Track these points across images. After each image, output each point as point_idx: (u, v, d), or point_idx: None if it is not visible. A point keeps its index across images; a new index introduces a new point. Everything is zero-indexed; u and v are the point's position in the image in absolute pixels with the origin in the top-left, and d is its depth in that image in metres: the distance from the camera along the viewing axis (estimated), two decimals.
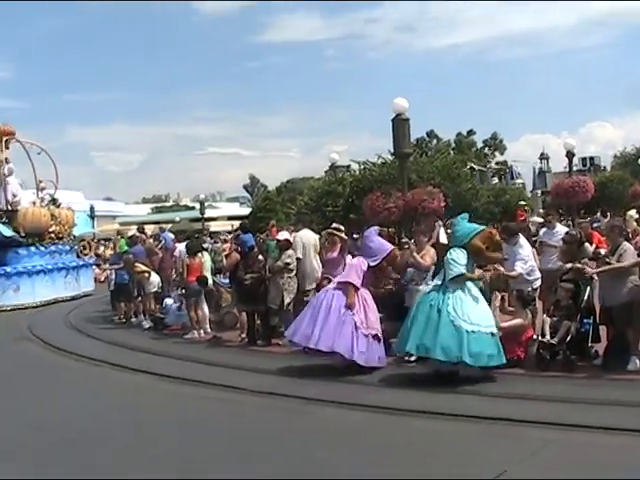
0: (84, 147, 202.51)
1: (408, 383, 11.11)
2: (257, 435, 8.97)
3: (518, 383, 10.47)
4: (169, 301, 19.17)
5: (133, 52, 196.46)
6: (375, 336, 12.09)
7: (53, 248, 30.39)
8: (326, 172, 37.73)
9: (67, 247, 31.66)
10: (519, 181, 53.59)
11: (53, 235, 30.76)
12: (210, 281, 17.62)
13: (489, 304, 11.94)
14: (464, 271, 11.17)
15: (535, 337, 11.58)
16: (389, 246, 13.05)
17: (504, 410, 9.22)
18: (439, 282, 11.32)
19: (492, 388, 10.33)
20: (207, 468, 7.77)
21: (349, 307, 12.04)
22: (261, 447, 8.45)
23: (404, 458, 7.77)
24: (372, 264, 12.52)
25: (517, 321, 11.87)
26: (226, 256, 17.71)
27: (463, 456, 7.70)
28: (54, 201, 32.32)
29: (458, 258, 11.21)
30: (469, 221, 11.97)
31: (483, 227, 12.12)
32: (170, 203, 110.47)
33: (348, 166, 30.42)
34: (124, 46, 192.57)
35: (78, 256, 33.09)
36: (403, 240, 16.45)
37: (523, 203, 33.42)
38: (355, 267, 12.59)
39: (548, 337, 11.30)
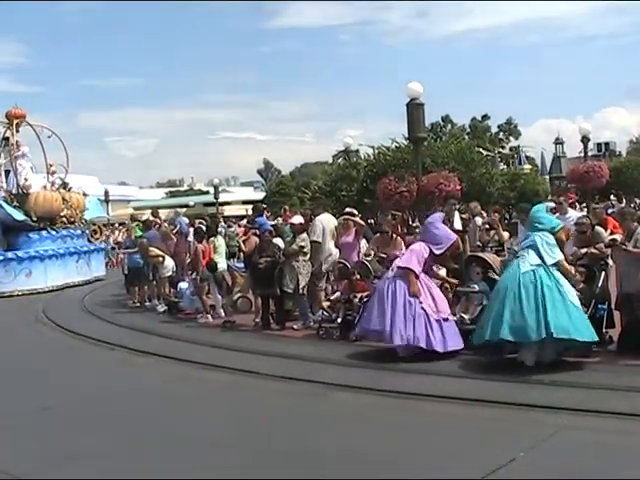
0: (98, 132, 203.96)
1: (428, 367, 11.02)
2: (269, 419, 9.00)
3: (532, 368, 10.41)
4: (183, 285, 19.22)
5: (146, 37, 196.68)
6: (446, 319, 11.73)
7: (64, 232, 30.29)
8: (334, 157, 37.63)
9: (78, 231, 31.55)
10: (527, 166, 53.20)
11: (65, 219, 30.69)
12: (224, 265, 17.65)
13: None
14: (561, 258, 10.90)
15: None
16: (454, 235, 12.64)
17: (518, 395, 9.18)
18: (534, 262, 10.68)
19: (506, 373, 10.29)
20: (220, 450, 7.81)
21: (414, 295, 11.66)
22: (271, 430, 8.46)
23: (413, 442, 7.78)
24: (437, 252, 12.07)
25: None
26: (244, 241, 17.68)
27: (476, 441, 7.69)
28: (65, 185, 32.21)
29: (555, 244, 10.88)
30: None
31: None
32: (184, 187, 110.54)
33: (357, 150, 30.32)
34: (137, 31, 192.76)
35: (89, 241, 32.84)
36: (414, 225, 16.37)
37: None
38: (416, 253, 12.05)
39: None
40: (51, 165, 32.43)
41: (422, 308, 11.56)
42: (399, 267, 11.98)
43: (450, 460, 7.10)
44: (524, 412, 8.60)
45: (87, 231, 32.93)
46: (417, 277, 11.81)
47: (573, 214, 15.11)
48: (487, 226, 15.03)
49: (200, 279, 17.42)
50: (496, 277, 11.94)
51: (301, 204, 33.92)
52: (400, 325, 11.41)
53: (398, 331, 11.39)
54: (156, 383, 11.53)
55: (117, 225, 45.41)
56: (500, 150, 74.08)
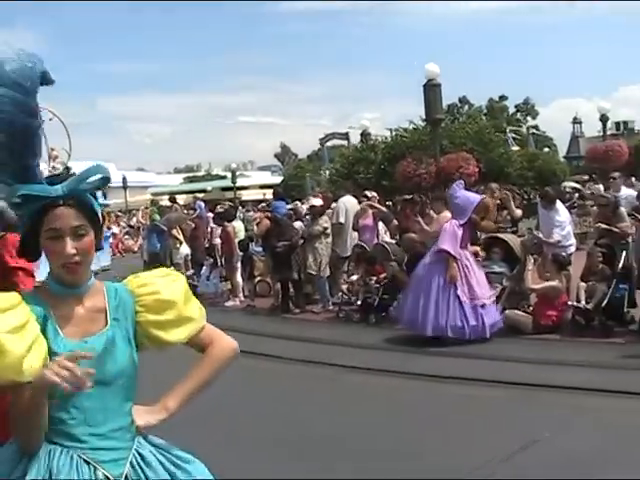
0: (115, 118, 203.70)
1: (452, 350, 10.91)
2: (290, 403, 8.93)
3: (553, 349, 10.37)
4: (203, 269, 19.29)
5: (160, 22, 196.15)
6: (483, 305, 11.28)
7: None
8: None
9: None
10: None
11: None
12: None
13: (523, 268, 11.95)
14: None
15: (570, 303, 11.43)
16: (476, 197, 12.05)
17: (538, 376, 9.13)
18: None
19: (527, 354, 10.26)
20: (237, 435, 7.72)
21: (451, 280, 11.24)
22: (291, 415, 8.39)
23: (434, 424, 7.71)
24: (461, 222, 11.46)
25: (550, 283, 11.66)
26: (257, 224, 17.69)
27: (494, 423, 7.62)
28: (67, 170, 31.60)
29: None
30: None
31: None
32: (202, 173, 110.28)
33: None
34: (150, 16, 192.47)
35: None
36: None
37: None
38: (448, 233, 11.40)
39: (583, 302, 11.14)
40: (53, 149, 31.71)
41: (457, 295, 11.21)
42: (435, 251, 11.58)
43: (466, 443, 6.98)
44: (544, 393, 8.54)
45: None
46: (455, 259, 11.37)
47: (626, 192, 14.81)
48: (498, 203, 14.64)
49: (235, 260, 17.47)
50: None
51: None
52: (432, 314, 11.14)
53: (430, 321, 11.14)
54: (175, 367, 11.47)
55: (135, 211, 45.22)
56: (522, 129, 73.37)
